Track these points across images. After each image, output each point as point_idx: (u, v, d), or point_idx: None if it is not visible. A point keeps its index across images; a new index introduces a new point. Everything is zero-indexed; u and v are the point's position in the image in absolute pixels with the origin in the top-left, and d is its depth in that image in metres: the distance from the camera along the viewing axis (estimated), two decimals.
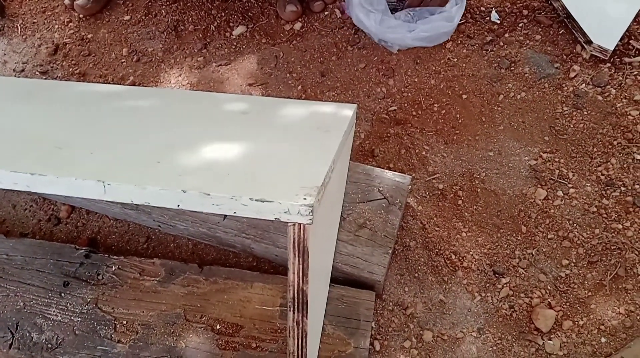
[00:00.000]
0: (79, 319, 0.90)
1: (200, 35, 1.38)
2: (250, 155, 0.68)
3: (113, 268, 0.95)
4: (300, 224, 0.59)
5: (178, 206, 0.57)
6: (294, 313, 0.66)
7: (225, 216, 0.97)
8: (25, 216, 1.14)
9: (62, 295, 0.93)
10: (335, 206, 0.84)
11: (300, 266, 0.62)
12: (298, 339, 0.68)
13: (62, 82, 1.05)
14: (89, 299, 0.92)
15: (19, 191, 0.61)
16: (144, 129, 0.76)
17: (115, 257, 0.97)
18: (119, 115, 0.82)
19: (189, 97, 0.91)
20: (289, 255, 0.62)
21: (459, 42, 1.30)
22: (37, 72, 1.37)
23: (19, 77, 1.37)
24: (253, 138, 0.73)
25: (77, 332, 0.89)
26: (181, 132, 0.75)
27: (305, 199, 0.55)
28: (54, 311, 0.91)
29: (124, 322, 0.90)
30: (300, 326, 0.67)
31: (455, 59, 1.28)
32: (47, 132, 0.74)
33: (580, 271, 1.00)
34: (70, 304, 0.92)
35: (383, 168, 1.04)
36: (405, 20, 1.28)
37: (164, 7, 1.43)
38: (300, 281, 0.64)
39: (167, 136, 0.73)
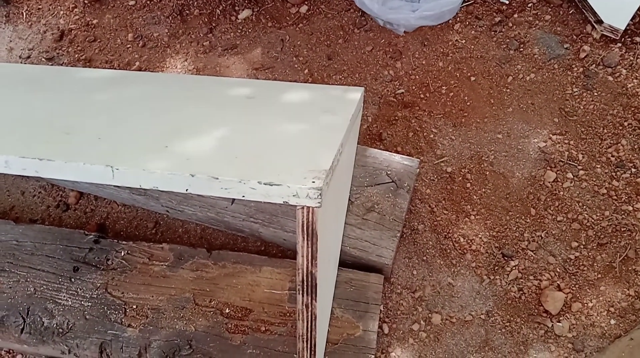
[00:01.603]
0: (89, 304, 0.91)
1: (206, 20, 1.37)
2: (257, 139, 0.68)
3: (122, 253, 0.96)
4: (309, 207, 0.59)
5: (187, 190, 0.58)
6: (303, 296, 0.66)
7: (233, 200, 0.97)
8: (34, 203, 1.15)
9: (72, 280, 0.93)
10: (343, 190, 0.84)
11: (309, 249, 0.62)
12: (307, 322, 0.69)
13: (69, 68, 1.04)
14: (98, 284, 0.93)
15: (28, 177, 0.62)
16: (152, 114, 0.76)
17: (124, 242, 0.97)
18: (125, 100, 0.81)
19: (195, 82, 0.90)
20: (297, 238, 0.62)
21: (467, 23, 1.29)
22: (43, 59, 1.37)
23: (25, 63, 1.37)
24: (260, 122, 0.73)
25: (87, 317, 0.89)
26: (188, 117, 0.75)
27: (314, 182, 0.55)
28: (64, 296, 0.92)
29: (134, 307, 0.90)
30: (310, 309, 0.67)
31: (464, 41, 1.26)
32: (54, 118, 0.74)
33: (589, 254, 1.00)
34: (80, 289, 0.92)
35: (391, 152, 1.03)
36: (408, 0, 1.27)
37: None
38: (310, 264, 0.64)
39: (174, 121, 0.73)
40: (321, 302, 0.71)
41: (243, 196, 0.57)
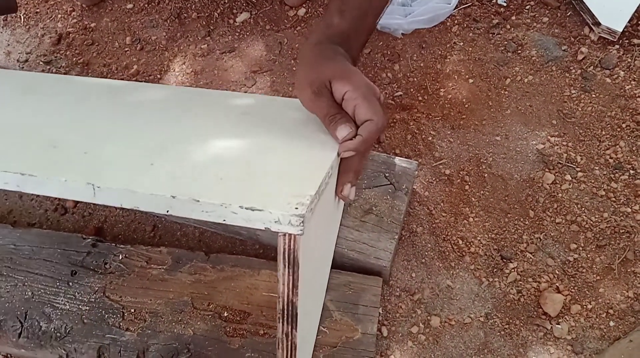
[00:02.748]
0: (87, 308, 0.91)
1: (204, 23, 1.37)
2: (245, 158, 0.66)
3: (120, 257, 0.96)
4: (291, 234, 0.57)
5: (167, 211, 0.56)
6: (283, 325, 0.65)
7: None
8: (32, 206, 1.15)
9: (70, 284, 0.93)
10: (333, 210, 0.82)
11: (290, 277, 0.61)
12: (287, 351, 0.67)
13: (64, 76, 1.04)
14: (96, 288, 0.92)
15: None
16: (141, 128, 0.75)
17: (122, 246, 0.97)
18: (117, 112, 0.80)
19: (190, 94, 0.89)
20: (279, 266, 0.60)
21: (465, 25, 1.29)
22: (41, 62, 1.37)
23: (22, 67, 1.37)
24: (251, 140, 0.71)
25: (85, 321, 0.89)
26: (178, 132, 0.73)
27: (296, 208, 0.54)
28: (62, 300, 0.91)
29: (132, 310, 0.90)
30: (290, 338, 0.65)
31: (462, 43, 1.26)
32: (43, 129, 0.73)
33: (588, 255, 1.00)
34: (78, 293, 0.92)
35: (389, 154, 1.03)
36: (400, 3, 1.27)
37: None
38: (290, 293, 0.62)
39: (164, 136, 0.72)
40: (303, 330, 0.69)
41: (224, 220, 0.55)
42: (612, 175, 1.07)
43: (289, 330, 0.65)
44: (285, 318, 0.64)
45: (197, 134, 0.73)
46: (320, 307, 0.87)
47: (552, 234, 1.02)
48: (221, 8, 1.39)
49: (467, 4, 1.31)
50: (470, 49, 1.25)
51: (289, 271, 0.60)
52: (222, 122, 0.77)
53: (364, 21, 0.79)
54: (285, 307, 0.63)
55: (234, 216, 0.55)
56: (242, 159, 0.66)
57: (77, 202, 1.13)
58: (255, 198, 0.56)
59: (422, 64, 1.25)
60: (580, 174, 1.07)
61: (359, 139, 0.67)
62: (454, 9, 1.29)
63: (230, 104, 0.84)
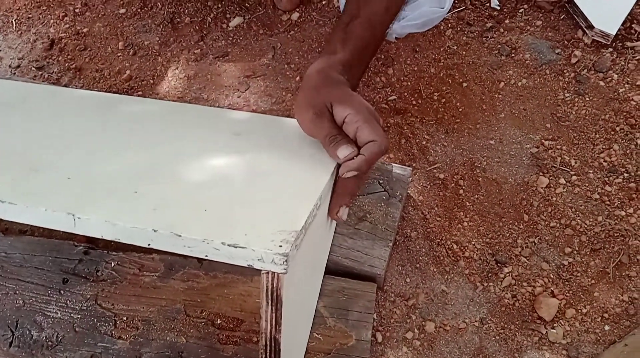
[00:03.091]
0: (79, 316, 0.90)
1: (197, 28, 1.37)
2: (233, 186, 0.65)
3: (112, 264, 0.95)
4: (274, 272, 0.56)
5: (149, 245, 0.55)
6: None
7: None
8: None
9: (62, 292, 0.92)
10: (326, 225, 0.81)
11: (274, 315, 0.60)
12: None
13: (50, 87, 1.03)
14: (88, 296, 0.92)
15: None
16: (128, 150, 0.73)
17: (114, 253, 0.96)
18: (103, 131, 0.79)
19: (183, 111, 0.87)
20: (261, 302, 0.59)
21: (459, 29, 1.29)
22: (33, 68, 1.36)
23: (14, 73, 1.36)
24: (240, 166, 0.70)
25: (77, 329, 0.88)
26: (165, 155, 0.72)
27: (280, 246, 0.52)
28: (53, 308, 0.91)
29: (124, 318, 0.89)
30: None
31: (455, 47, 1.26)
32: (25, 149, 0.72)
33: (583, 259, 0.99)
34: (70, 301, 0.91)
35: (383, 159, 1.03)
36: None
37: None
38: (273, 329, 0.61)
39: (150, 159, 0.71)
40: None
41: (206, 256, 0.54)
42: (606, 178, 1.07)
43: None
44: (267, 354, 0.63)
45: (184, 159, 0.71)
46: (306, 339, 0.86)
47: (546, 238, 1.02)
48: (214, 13, 1.39)
49: (460, 7, 1.31)
50: (464, 52, 1.25)
51: (272, 309, 0.59)
52: (211, 145, 0.76)
53: (365, 51, 0.80)
54: (268, 343, 0.62)
55: (216, 253, 0.53)
56: (228, 187, 0.65)
57: None
58: (239, 232, 0.54)
59: (415, 68, 1.24)
60: (574, 177, 1.07)
61: (361, 159, 0.67)
62: (448, 14, 1.29)
63: (221, 124, 0.82)
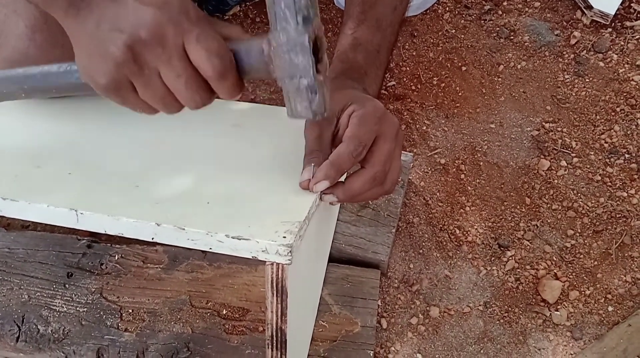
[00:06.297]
0: (85, 309, 0.90)
1: None
2: (234, 177, 0.65)
3: (116, 257, 0.95)
4: (279, 263, 0.56)
5: (152, 239, 0.55)
6: (272, 351, 0.64)
7: None
8: None
9: (67, 286, 0.92)
10: (326, 227, 0.81)
11: (279, 305, 0.59)
12: None
13: None
14: (93, 289, 0.92)
15: None
16: (129, 145, 0.73)
17: (117, 246, 0.96)
18: (103, 126, 0.78)
19: None
20: (266, 293, 0.59)
21: (457, 12, 1.28)
22: None
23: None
24: (241, 158, 0.69)
25: (83, 323, 0.89)
26: (165, 148, 0.71)
27: (284, 237, 0.52)
28: (59, 302, 0.91)
29: (130, 311, 0.89)
30: None
31: (453, 31, 1.25)
32: (27, 145, 0.71)
33: (585, 241, 1.00)
34: (75, 295, 0.91)
35: None
36: None
37: None
38: (279, 320, 0.61)
39: (150, 153, 0.70)
40: (292, 355, 0.68)
41: (210, 249, 0.54)
42: (607, 160, 1.07)
43: (278, 356, 0.64)
44: (274, 344, 0.63)
45: (184, 151, 0.71)
46: (311, 330, 0.86)
47: (548, 221, 1.02)
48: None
49: None
50: (463, 36, 1.25)
51: (277, 300, 0.59)
52: (211, 137, 0.75)
53: (378, 55, 0.77)
54: (274, 334, 0.62)
55: (220, 245, 0.53)
56: (230, 179, 0.64)
57: None
58: (242, 225, 0.54)
59: (414, 53, 1.24)
60: (575, 159, 1.07)
61: (322, 168, 0.58)
62: None
63: (220, 116, 0.81)
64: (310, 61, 0.47)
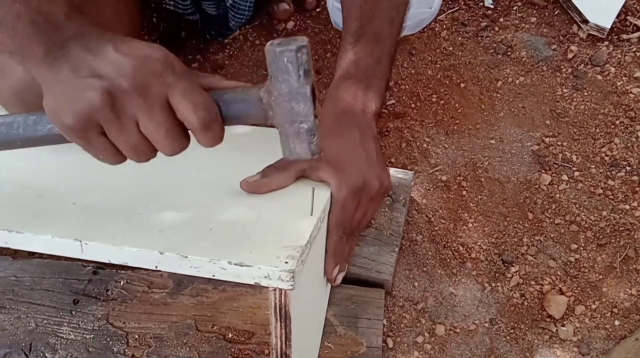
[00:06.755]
0: (92, 336, 0.90)
1: (194, 42, 1.38)
2: (236, 203, 0.65)
3: (122, 283, 0.95)
4: (282, 289, 0.56)
5: (156, 267, 0.56)
6: None
7: None
8: None
9: (73, 313, 0.93)
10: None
11: (283, 330, 0.60)
12: None
13: None
14: (99, 315, 0.92)
15: None
16: (130, 171, 0.74)
17: (122, 271, 0.97)
18: None
19: None
20: (270, 319, 0.60)
21: (454, 30, 1.29)
22: None
23: None
24: (242, 180, 0.70)
25: (90, 349, 0.89)
26: (167, 175, 0.72)
27: (286, 263, 0.53)
28: (66, 329, 0.91)
29: (136, 336, 0.90)
30: None
31: (451, 48, 1.27)
32: (30, 175, 0.72)
33: (589, 255, 1.00)
34: (81, 322, 0.92)
35: (385, 164, 1.03)
36: None
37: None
38: (284, 345, 0.61)
39: (153, 179, 0.71)
40: None
41: (213, 276, 0.55)
42: (608, 173, 1.07)
43: None
44: None
45: (185, 178, 0.71)
46: (317, 351, 0.86)
47: (552, 235, 1.02)
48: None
49: (454, 8, 1.31)
50: (460, 53, 1.26)
51: (281, 325, 0.60)
52: (211, 162, 0.76)
53: (379, 67, 0.79)
54: None
55: (223, 272, 0.54)
56: (232, 203, 0.65)
57: None
58: (245, 250, 0.55)
59: (412, 71, 1.25)
60: (576, 173, 1.07)
61: (256, 177, 0.69)
62: (442, 14, 1.30)
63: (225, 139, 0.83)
64: (312, 108, 0.51)
